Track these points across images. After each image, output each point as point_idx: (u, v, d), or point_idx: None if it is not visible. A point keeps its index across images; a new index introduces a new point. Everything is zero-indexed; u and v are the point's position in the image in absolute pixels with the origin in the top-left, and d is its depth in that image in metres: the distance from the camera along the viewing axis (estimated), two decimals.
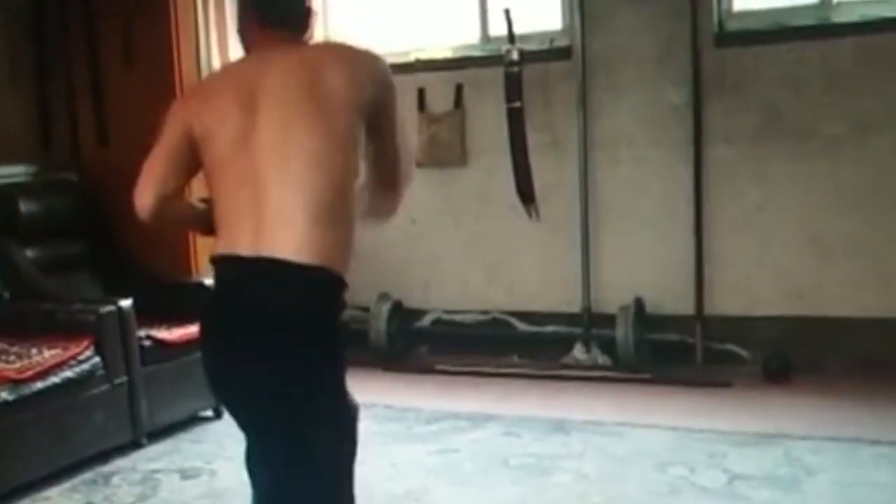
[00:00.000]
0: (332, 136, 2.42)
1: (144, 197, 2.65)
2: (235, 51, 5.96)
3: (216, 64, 5.79)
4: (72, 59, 5.90)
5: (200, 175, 2.61)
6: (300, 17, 2.64)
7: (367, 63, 2.56)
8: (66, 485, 4.53)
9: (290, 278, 2.42)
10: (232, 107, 2.48)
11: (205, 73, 5.73)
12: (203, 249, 5.75)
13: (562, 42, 6.28)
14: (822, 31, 5.72)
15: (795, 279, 5.85)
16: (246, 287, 2.50)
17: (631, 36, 6.07)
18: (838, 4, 5.74)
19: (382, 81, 2.56)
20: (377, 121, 2.54)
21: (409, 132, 2.80)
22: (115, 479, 4.61)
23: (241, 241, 2.46)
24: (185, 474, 4.67)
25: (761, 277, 5.93)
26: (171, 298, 5.44)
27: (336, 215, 2.44)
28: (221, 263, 2.56)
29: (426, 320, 6.64)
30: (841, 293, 5.75)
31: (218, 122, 2.49)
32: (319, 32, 6.79)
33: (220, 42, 5.84)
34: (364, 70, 2.53)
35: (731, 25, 5.96)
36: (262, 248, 2.41)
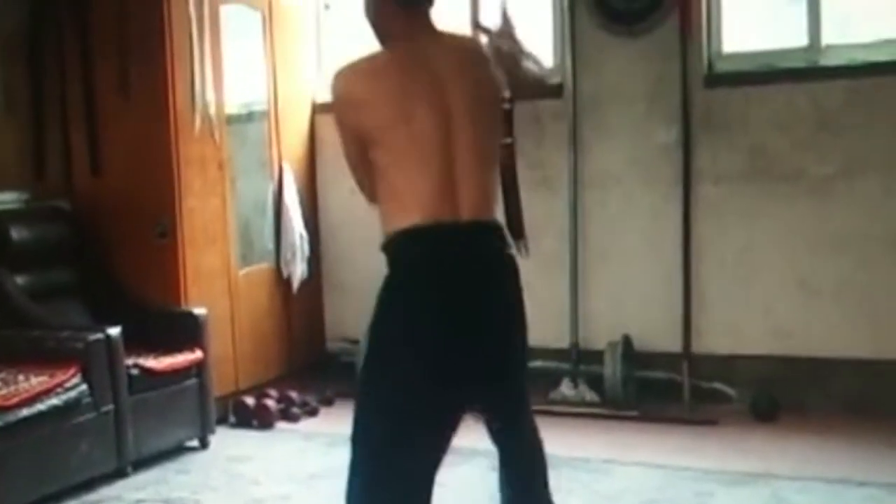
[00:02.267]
0: (489, 128, 2.88)
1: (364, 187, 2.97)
2: (230, 86, 6.00)
3: (211, 98, 5.81)
4: (67, 89, 5.91)
5: None
6: None
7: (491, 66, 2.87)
8: None
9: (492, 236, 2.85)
10: (416, 103, 2.72)
11: (200, 108, 5.76)
12: (193, 278, 5.76)
13: (553, 81, 6.32)
14: (811, 73, 5.78)
15: (783, 319, 5.88)
16: (463, 248, 2.76)
17: (622, 76, 6.13)
18: (827, 48, 5.79)
19: (500, 84, 2.92)
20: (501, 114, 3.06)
21: None
22: None
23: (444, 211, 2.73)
24: None
25: (749, 317, 5.95)
26: (161, 327, 5.46)
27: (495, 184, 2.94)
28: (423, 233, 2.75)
29: None
30: (828, 334, 5.77)
31: (400, 118, 2.72)
32: (314, 67, 6.84)
33: (215, 79, 5.86)
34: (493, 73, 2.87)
35: (721, 67, 6.01)
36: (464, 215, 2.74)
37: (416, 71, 2.77)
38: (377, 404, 2.80)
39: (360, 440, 2.86)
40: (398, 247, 2.80)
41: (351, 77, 2.82)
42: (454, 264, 2.73)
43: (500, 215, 3.03)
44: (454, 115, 2.73)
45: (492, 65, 2.85)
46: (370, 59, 2.85)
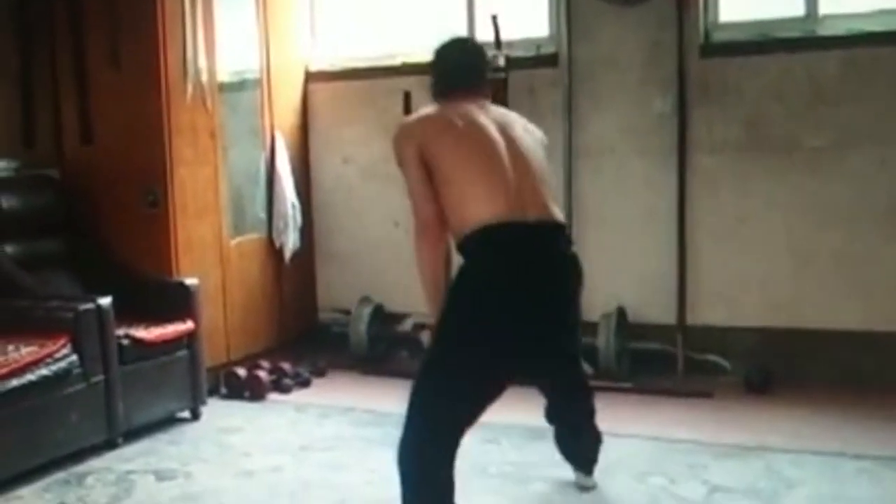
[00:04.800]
0: (541, 162, 3.67)
1: (427, 210, 3.54)
2: (222, 54, 5.94)
3: (203, 65, 5.76)
4: (58, 58, 5.86)
5: None
6: (480, 74, 3.82)
7: (538, 134, 3.82)
8: (39, 484, 4.49)
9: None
10: (480, 133, 3.55)
11: (191, 76, 5.71)
12: (185, 248, 5.72)
13: (548, 49, 6.29)
14: (807, 43, 5.74)
15: (777, 291, 5.87)
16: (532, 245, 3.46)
17: (617, 44, 6.08)
18: (824, 18, 5.76)
19: (545, 145, 3.82)
20: None
21: None
22: (89, 480, 4.58)
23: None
24: (161, 476, 4.63)
25: (743, 288, 5.94)
26: (152, 297, 5.42)
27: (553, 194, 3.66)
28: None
29: (407, 324, 6.62)
30: (822, 305, 5.76)
31: (467, 142, 3.52)
32: (307, 35, 6.79)
33: (206, 46, 5.81)
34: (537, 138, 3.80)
35: (717, 36, 5.97)
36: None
37: (474, 114, 3.58)
38: (451, 370, 3.38)
39: (432, 391, 3.44)
40: (475, 242, 3.40)
41: (416, 120, 3.67)
42: (523, 255, 3.41)
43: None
44: (514, 150, 3.53)
45: (539, 138, 3.81)
46: (433, 111, 3.67)
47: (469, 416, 3.42)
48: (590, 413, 4.22)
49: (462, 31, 6.49)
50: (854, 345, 5.68)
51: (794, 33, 5.80)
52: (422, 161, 3.49)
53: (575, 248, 3.69)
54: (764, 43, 5.85)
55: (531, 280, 3.41)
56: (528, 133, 3.73)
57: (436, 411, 3.42)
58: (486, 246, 3.40)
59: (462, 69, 3.78)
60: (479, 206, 3.41)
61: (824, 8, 5.75)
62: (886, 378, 5.55)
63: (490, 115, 3.64)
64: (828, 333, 5.74)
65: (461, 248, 3.49)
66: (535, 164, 3.59)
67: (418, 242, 3.58)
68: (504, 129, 3.60)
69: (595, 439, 4.25)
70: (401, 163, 3.58)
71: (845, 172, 5.67)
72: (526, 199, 3.46)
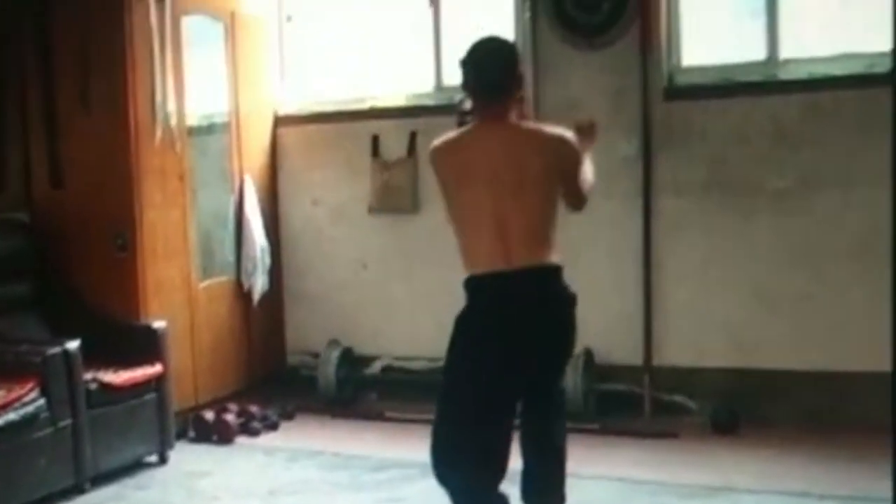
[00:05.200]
0: (536, 198, 3.69)
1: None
2: (192, 97, 5.97)
3: (172, 108, 5.78)
4: (28, 101, 5.86)
5: None
6: (499, 87, 3.74)
7: (556, 146, 3.78)
8: None
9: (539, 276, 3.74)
10: (476, 171, 3.66)
11: (161, 119, 5.72)
12: (153, 291, 5.72)
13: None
14: (769, 87, 5.83)
15: (742, 331, 5.91)
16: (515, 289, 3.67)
17: (583, 88, 6.14)
18: (786, 62, 5.84)
19: (566, 155, 3.79)
20: (565, 177, 3.80)
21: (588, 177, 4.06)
22: None
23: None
24: None
25: (709, 329, 5.98)
26: (120, 341, 5.41)
27: (545, 236, 3.77)
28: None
29: (376, 367, 6.63)
30: (787, 346, 5.80)
31: (465, 179, 3.69)
32: (277, 79, 6.85)
33: (176, 89, 5.83)
34: (553, 153, 3.75)
35: (681, 80, 6.05)
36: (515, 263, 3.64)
37: (479, 151, 3.68)
38: (460, 390, 3.67)
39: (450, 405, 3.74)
40: (471, 286, 3.68)
41: (439, 145, 3.80)
42: (505, 299, 3.65)
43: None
44: (504, 190, 3.62)
45: (558, 150, 3.78)
46: (457, 134, 3.80)
47: (480, 422, 3.64)
48: (560, 450, 4.07)
49: (430, 75, 6.56)
50: (819, 385, 5.71)
51: (757, 77, 5.88)
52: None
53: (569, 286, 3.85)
54: (727, 86, 5.93)
55: (514, 316, 3.64)
56: (541, 154, 3.71)
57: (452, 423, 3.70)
58: (475, 293, 3.69)
59: (480, 80, 3.75)
60: (468, 255, 3.70)
61: (785, 52, 5.84)
62: (851, 418, 5.57)
63: (501, 141, 3.70)
64: (793, 374, 5.78)
65: (465, 286, 3.72)
66: (530, 203, 3.66)
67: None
68: (509, 157, 3.66)
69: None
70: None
71: (809, 214, 5.74)
72: (511, 247, 3.62)
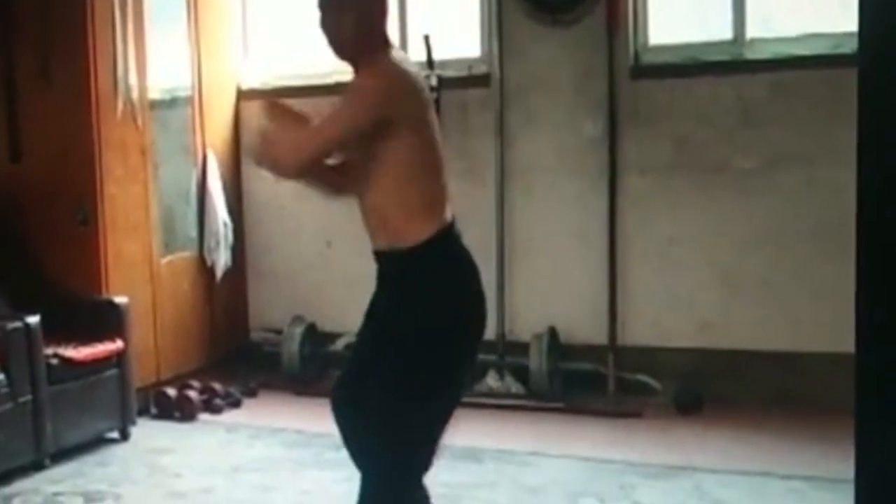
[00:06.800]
0: None
1: (306, 160, 3.20)
2: (154, 70, 5.91)
3: (133, 82, 5.72)
4: None
5: None
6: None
7: None
8: None
9: None
10: (429, 108, 3.20)
11: (122, 92, 5.67)
12: (114, 266, 5.66)
13: (480, 69, 6.32)
14: (735, 66, 5.83)
15: (705, 311, 5.93)
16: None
17: (549, 66, 6.13)
18: (752, 41, 5.85)
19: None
20: None
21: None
22: (16, 502, 4.52)
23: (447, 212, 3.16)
24: (89, 497, 4.58)
25: (673, 309, 6.00)
26: (81, 316, 5.37)
27: None
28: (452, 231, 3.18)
29: (340, 344, 6.60)
30: (751, 326, 5.83)
31: (425, 117, 3.15)
32: (240, 53, 6.77)
33: (138, 63, 5.76)
34: None
35: (647, 59, 6.05)
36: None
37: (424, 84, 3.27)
38: (433, 365, 3.10)
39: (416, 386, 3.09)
40: (439, 245, 3.11)
41: (402, 70, 3.20)
42: (466, 254, 3.22)
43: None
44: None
45: None
46: (403, 63, 3.28)
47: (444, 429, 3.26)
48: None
49: None
50: (782, 365, 5.75)
51: (723, 56, 5.89)
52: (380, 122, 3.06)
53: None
54: (693, 66, 5.93)
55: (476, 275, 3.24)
56: None
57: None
58: (444, 252, 3.16)
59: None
60: (433, 206, 3.13)
61: (752, 31, 5.84)
62: (814, 399, 5.59)
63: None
64: (756, 354, 5.81)
65: (421, 249, 3.09)
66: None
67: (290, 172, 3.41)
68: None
69: None
70: (357, 99, 3.23)
71: (773, 193, 5.75)
72: (449, 196, 3.21)
